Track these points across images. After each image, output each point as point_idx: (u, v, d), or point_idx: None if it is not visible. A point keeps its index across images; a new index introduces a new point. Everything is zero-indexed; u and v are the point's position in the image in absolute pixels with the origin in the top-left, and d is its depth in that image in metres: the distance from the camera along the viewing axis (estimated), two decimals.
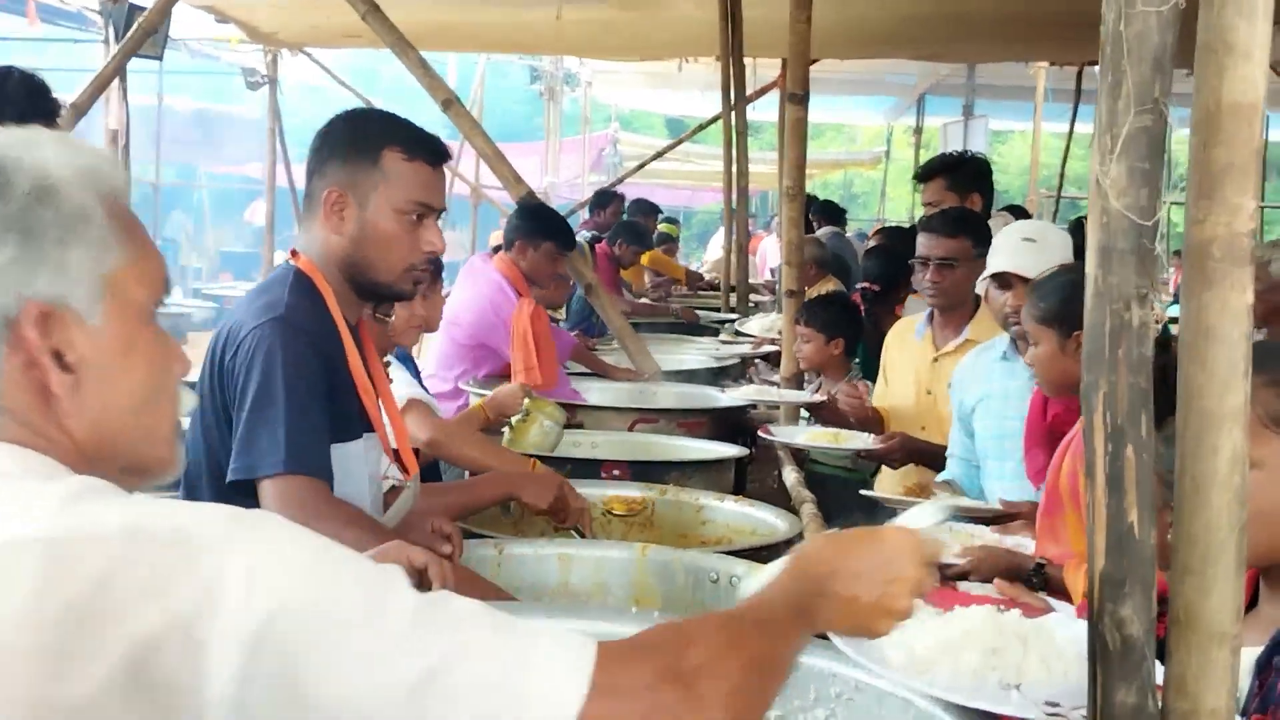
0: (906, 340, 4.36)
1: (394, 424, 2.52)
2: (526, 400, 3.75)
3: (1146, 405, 1.29)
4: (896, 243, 6.29)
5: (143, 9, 7.61)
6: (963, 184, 5.67)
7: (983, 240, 4.00)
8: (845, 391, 4.27)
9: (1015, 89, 14.47)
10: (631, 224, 9.94)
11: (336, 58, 13.02)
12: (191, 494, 2.38)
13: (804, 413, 4.90)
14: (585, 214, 11.68)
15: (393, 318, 3.18)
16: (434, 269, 4.18)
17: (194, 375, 1.92)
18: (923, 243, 4.12)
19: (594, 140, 21.32)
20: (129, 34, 5.48)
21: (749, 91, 9.30)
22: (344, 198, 2.34)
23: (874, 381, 4.55)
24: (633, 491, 3.29)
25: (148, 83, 18.54)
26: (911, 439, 3.95)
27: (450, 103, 5.02)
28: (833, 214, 10.33)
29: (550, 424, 3.82)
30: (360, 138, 2.38)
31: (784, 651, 1.28)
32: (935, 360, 4.14)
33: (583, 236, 9.42)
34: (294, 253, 2.44)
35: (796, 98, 4.92)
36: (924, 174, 5.72)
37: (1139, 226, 1.26)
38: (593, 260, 8.86)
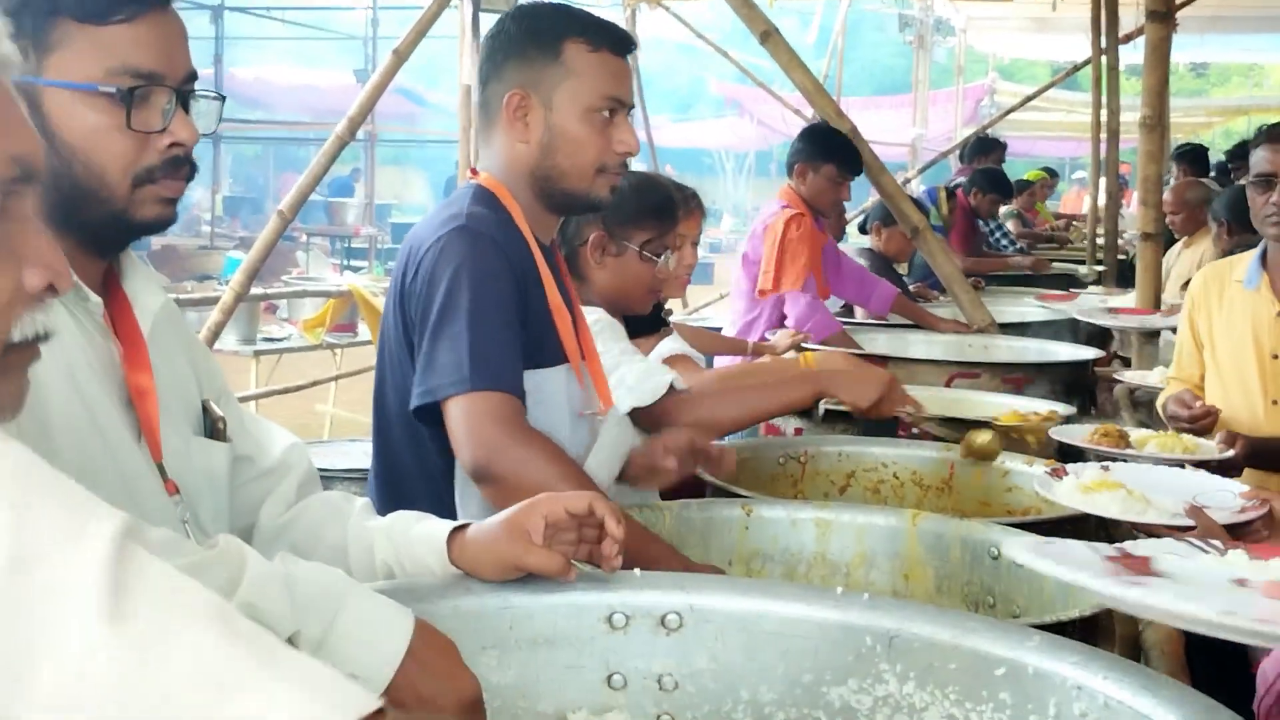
0: (1229, 289, 3.45)
1: (588, 355, 2.28)
2: (802, 366, 3.40)
3: None
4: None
5: None
6: None
7: None
8: (1177, 401, 3.30)
9: None
10: (989, 170, 9.00)
11: (701, 13, 12.89)
12: (382, 437, 2.21)
13: None
14: (958, 163, 10.97)
15: (662, 260, 2.90)
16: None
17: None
18: (1264, 157, 3.29)
19: (970, 91, 20.45)
20: None
21: (1127, 29, 8.55)
22: (527, 99, 2.13)
23: None
24: (928, 452, 2.91)
25: None
26: (1258, 442, 3.05)
27: (769, 34, 4.72)
28: (1198, 162, 9.13)
29: None
30: (538, 31, 2.15)
31: None
32: None
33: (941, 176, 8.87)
34: (473, 171, 2.24)
35: (1157, 15, 4.37)
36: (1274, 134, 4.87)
37: None
38: (952, 209, 8.37)
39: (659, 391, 2.52)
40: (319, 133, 16.25)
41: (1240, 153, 8.73)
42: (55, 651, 0.81)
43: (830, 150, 4.83)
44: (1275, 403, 3.27)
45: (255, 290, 6.69)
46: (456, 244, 2.04)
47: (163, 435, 1.50)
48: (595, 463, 2.19)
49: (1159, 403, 3.48)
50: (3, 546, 0.82)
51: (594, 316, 2.54)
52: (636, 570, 1.59)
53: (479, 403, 1.96)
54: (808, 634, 1.50)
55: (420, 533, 1.59)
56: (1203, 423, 3.18)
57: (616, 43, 2.16)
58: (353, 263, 17.45)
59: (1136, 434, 2.92)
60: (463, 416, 1.96)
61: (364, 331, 8.19)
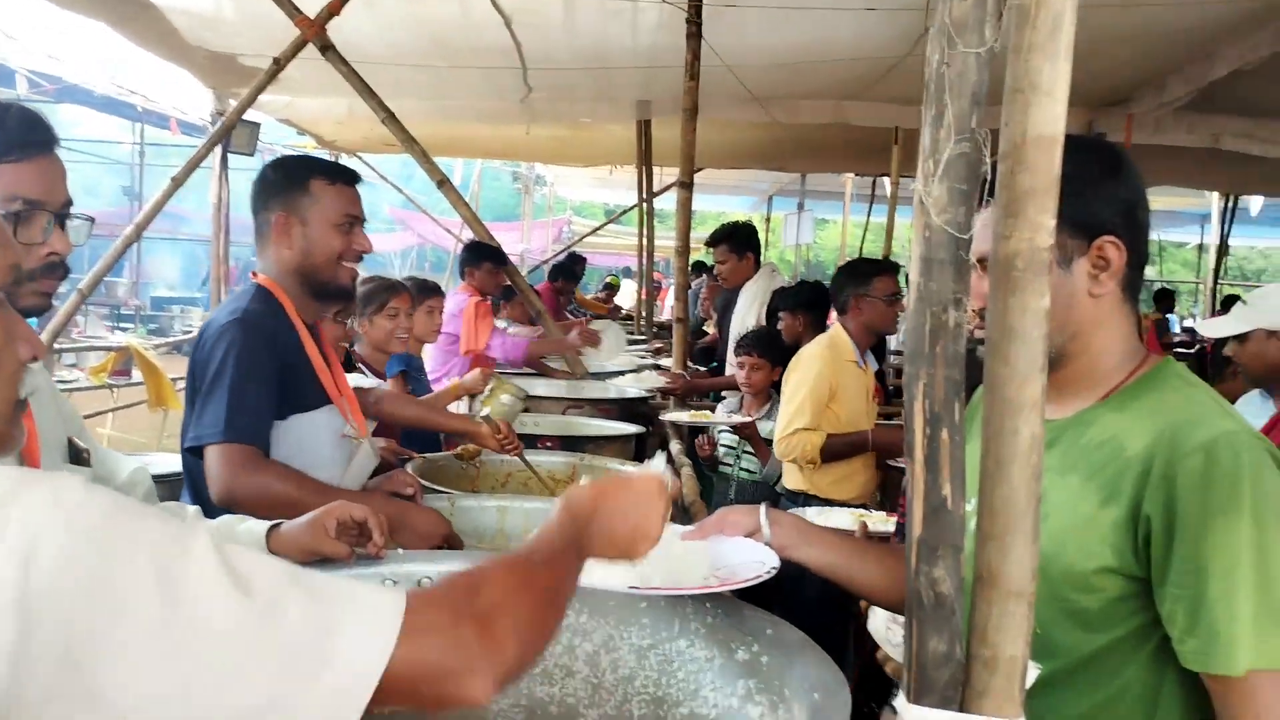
0: (846, 365, 3.54)
1: (348, 397, 2.14)
2: (492, 381, 3.31)
3: (959, 395, 0.98)
4: None
5: (246, 123, 7.08)
6: (740, 245, 5.37)
7: None
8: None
9: (832, 192, 14.34)
10: (565, 266, 9.47)
11: (383, 160, 12.50)
12: (189, 473, 1.97)
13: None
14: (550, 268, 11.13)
15: (350, 322, 2.77)
16: (420, 289, 3.74)
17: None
18: (893, 281, 3.58)
19: (555, 222, 20.86)
20: (216, 129, 5.02)
21: (657, 188, 8.99)
22: (289, 219, 2.00)
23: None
24: (558, 458, 2.94)
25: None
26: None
27: (443, 182, 4.66)
28: (702, 271, 10.02)
29: (509, 398, 3.34)
30: (291, 174, 2.02)
31: (565, 582, 0.97)
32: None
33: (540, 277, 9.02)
34: (254, 274, 2.07)
35: (684, 185, 4.62)
36: (712, 240, 5.42)
37: (957, 240, 0.95)
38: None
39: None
40: (98, 232, 14.59)
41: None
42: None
43: (484, 254, 4.86)
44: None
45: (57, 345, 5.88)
46: (232, 331, 1.87)
47: (44, 464, 1.31)
48: (350, 476, 2.06)
49: (816, 445, 3.43)
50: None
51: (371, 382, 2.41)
52: (400, 550, 1.52)
53: (226, 452, 1.79)
54: None
55: (243, 530, 1.46)
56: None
57: (346, 177, 2.04)
58: (122, 324, 15.69)
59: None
60: (214, 460, 1.79)
61: (137, 375, 7.35)
